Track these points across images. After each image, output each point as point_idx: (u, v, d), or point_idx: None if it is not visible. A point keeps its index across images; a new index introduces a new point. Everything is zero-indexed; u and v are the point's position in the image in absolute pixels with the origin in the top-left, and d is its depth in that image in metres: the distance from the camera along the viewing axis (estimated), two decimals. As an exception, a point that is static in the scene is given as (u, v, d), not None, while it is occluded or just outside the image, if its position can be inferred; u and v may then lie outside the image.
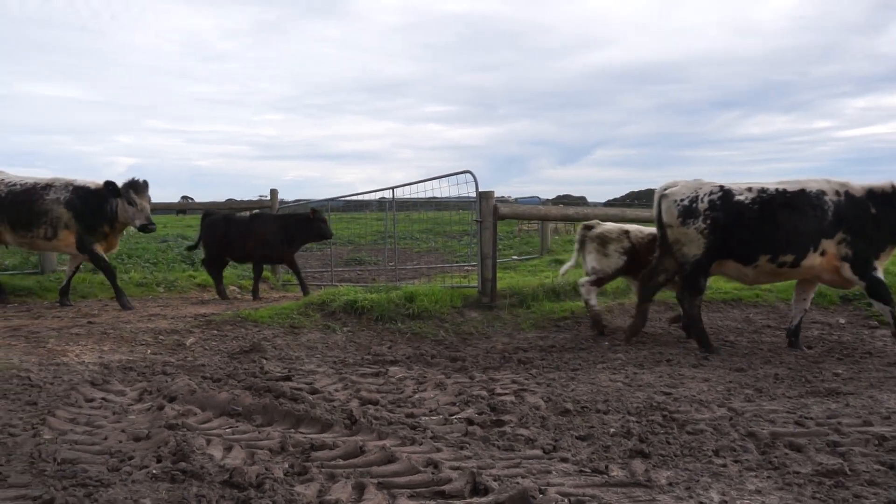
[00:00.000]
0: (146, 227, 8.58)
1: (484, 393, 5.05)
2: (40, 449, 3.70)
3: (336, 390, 5.12)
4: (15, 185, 8.83)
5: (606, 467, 3.55)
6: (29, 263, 11.16)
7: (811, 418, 4.34)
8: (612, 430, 4.18)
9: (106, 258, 8.89)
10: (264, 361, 5.98)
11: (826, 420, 4.30)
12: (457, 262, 15.51)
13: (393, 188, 11.08)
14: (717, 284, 9.97)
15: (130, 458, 3.64)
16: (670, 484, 3.36)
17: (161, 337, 6.76)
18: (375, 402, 4.78)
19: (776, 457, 3.68)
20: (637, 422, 4.32)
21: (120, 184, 8.60)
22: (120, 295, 8.73)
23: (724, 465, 3.60)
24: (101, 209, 8.65)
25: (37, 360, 5.77)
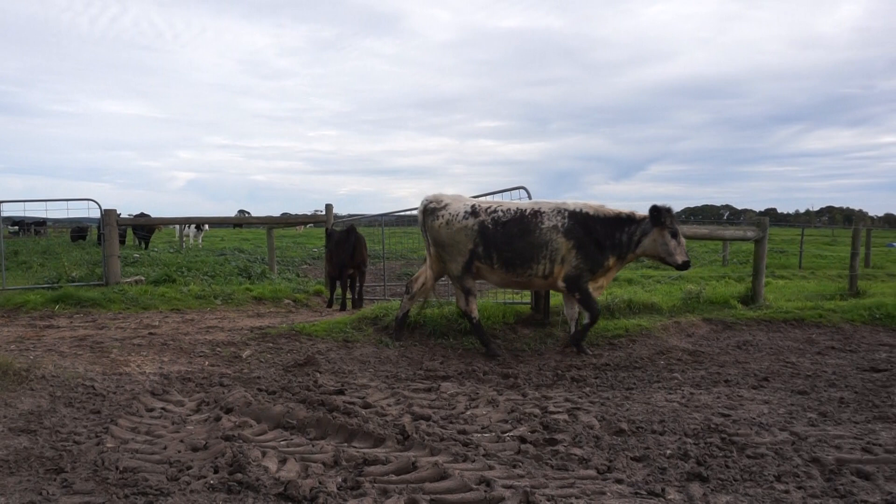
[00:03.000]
0: (688, 265, 7.08)
1: (537, 411, 5.00)
2: (103, 457, 3.82)
3: (388, 405, 5.14)
4: (495, 210, 7.23)
5: (663, 490, 3.48)
6: (94, 276, 11.55)
7: (880, 445, 4.17)
8: (668, 451, 4.09)
9: (596, 301, 7.20)
10: (318, 375, 6.04)
11: None
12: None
13: (446, 204, 11.12)
14: (777, 303, 9.70)
15: (189, 468, 3.72)
16: (730, 509, 3.27)
17: (218, 349, 6.90)
18: (428, 418, 4.78)
19: (842, 484, 3.55)
20: (694, 444, 4.22)
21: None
22: (579, 337, 7.26)
23: (787, 492, 3.48)
24: (611, 238, 7.05)
25: (101, 369, 5.95)
